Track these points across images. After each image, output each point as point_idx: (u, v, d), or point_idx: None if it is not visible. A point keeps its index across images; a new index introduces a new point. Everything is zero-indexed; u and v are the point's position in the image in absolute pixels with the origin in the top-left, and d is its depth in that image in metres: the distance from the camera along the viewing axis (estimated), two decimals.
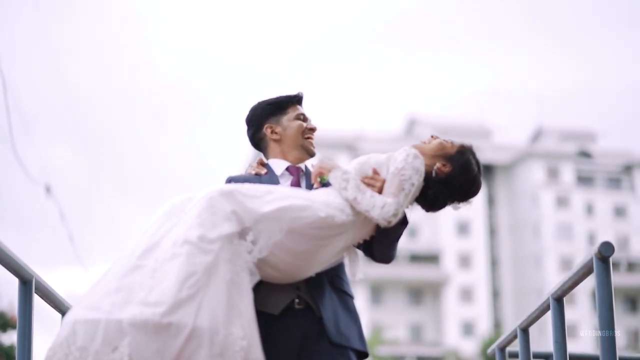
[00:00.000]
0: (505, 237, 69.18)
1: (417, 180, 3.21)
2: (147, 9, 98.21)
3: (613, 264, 3.29)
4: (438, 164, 3.29)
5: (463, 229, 66.77)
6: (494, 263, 68.62)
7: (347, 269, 3.36)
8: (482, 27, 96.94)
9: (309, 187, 3.43)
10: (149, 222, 3.08)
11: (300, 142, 3.53)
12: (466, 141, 3.44)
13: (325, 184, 3.31)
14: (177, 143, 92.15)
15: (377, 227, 3.24)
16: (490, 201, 69.60)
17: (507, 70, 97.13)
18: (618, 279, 60.53)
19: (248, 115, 3.58)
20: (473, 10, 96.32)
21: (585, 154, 70.47)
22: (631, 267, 66.82)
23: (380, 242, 3.31)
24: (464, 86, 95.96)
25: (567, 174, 68.26)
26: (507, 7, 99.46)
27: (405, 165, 3.20)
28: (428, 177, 3.27)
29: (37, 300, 3.72)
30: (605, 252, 3.21)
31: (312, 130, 3.56)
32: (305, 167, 3.55)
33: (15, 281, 3.61)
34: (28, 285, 3.63)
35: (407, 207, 3.25)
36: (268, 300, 3.21)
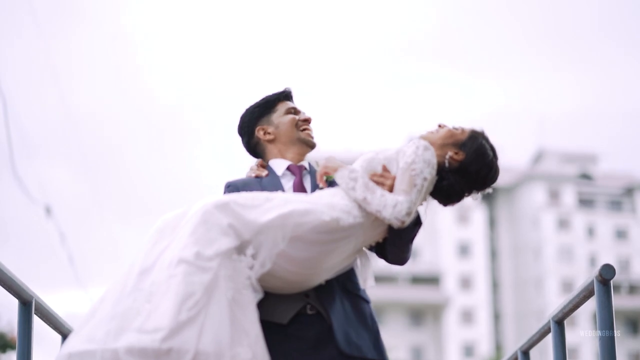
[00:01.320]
0: (506, 259, 69.05)
1: (430, 174, 2.99)
2: (145, 32, 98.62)
3: (614, 287, 3.27)
4: (450, 153, 3.08)
5: (464, 251, 66.67)
6: (495, 285, 68.46)
7: (358, 274, 3.12)
8: (484, 50, 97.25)
9: (314, 186, 3.24)
10: (142, 241, 2.89)
11: (296, 136, 3.33)
12: None
13: (331, 182, 3.10)
14: (177, 163, 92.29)
15: (390, 229, 3.02)
16: (492, 223, 69.54)
17: (509, 92, 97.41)
18: (619, 301, 60.42)
19: (239, 124, 3.40)
20: (476, 35, 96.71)
21: (586, 176, 70.47)
22: (632, 289, 66.67)
23: (393, 244, 3.08)
24: (466, 108, 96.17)
25: (568, 196, 68.23)
26: (511, 31, 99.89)
27: (415, 158, 2.98)
28: (441, 169, 3.07)
29: (37, 321, 3.70)
30: (606, 275, 3.19)
31: (307, 121, 3.37)
32: (310, 165, 3.35)
33: (15, 302, 3.60)
34: (28, 306, 3.61)
35: (421, 203, 3.04)
36: (275, 310, 3.00)
